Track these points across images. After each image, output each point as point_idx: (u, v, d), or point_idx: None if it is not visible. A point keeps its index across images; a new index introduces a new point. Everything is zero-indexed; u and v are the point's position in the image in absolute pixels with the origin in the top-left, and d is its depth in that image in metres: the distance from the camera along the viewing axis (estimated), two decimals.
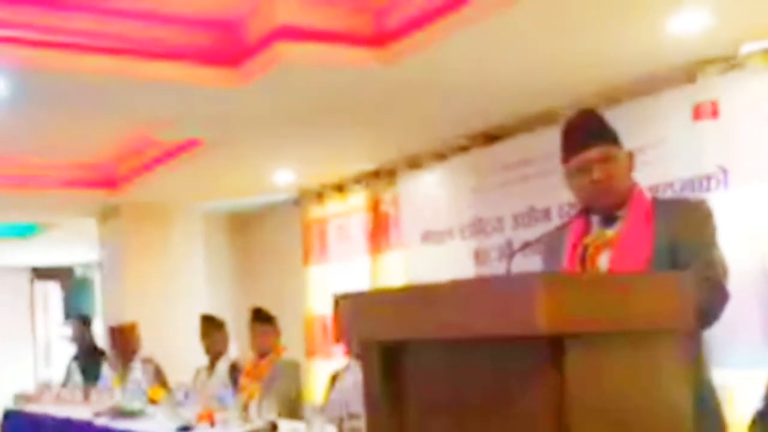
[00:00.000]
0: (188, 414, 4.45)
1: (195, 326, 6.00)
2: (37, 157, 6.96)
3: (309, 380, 7.04)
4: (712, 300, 2.27)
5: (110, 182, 7.39)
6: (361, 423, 3.34)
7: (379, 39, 4.20)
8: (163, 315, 7.54)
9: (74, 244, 10.33)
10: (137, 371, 6.10)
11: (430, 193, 6.17)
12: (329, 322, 7.16)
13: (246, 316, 5.44)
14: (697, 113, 4.29)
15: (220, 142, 5.77)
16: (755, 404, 2.67)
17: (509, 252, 5.06)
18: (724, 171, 4.18)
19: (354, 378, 4.10)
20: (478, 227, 5.71)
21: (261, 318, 5.33)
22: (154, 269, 7.84)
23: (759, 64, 4.07)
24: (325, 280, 7.44)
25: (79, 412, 5.40)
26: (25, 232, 9.70)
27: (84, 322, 7.61)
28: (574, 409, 1.48)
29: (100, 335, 7.90)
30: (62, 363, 7.97)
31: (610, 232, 2.45)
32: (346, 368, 4.53)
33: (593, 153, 2.43)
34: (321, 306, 7.39)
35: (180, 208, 7.99)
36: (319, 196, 7.55)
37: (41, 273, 12.68)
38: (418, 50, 4.05)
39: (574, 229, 2.53)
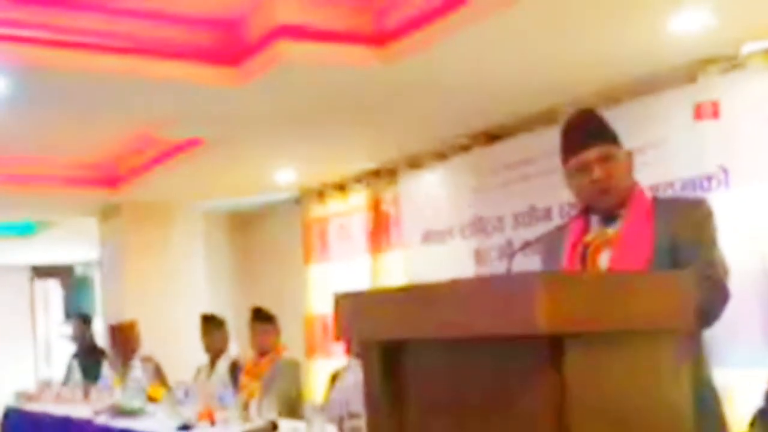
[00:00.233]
0: (188, 413, 4.45)
1: (195, 325, 6.01)
2: (38, 156, 6.96)
3: (309, 379, 7.04)
4: (712, 299, 2.26)
5: (111, 181, 7.39)
6: (362, 422, 3.34)
7: (379, 39, 4.20)
8: (163, 314, 7.53)
9: (74, 243, 10.33)
10: (137, 370, 6.09)
11: (430, 193, 6.16)
12: (329, 321, 7.15)
13: (246, 315, 5.45)
14: (698, 113, 4.28)
15: (221, 141, 5.77)
16: (756, 403, 2.68)
17: (510, 252, 5.06)
18: (725, 171, 4.17)
19: (354, 377, 4.11)
20: (478, 227, 5.70)
21: (261, 317, 5.33)
22: (154, 268, 7.84)
23: (760, 64, 4.07)
24: (325, 279, 7.44)
25: (79, 411, 5.40)
26: (25, 230, 9.69)
27: (84, 320, 7.62)
28: (574, 409, 1.48)
29: (100, 334, 7.90)
30: (62, 361, 7.98)
31: (611, 232, 2.45)
32: (347, 367, 4.54)
33: (593, 153, 2.42)
34: (321, 305, 7.39)
35: (180, 207, 7.99)
36: (320, 195, 7.55)
37: (41, 272, 12.67)
38: (418, 50, 4.05)
39: (574, 228, 2.52)
